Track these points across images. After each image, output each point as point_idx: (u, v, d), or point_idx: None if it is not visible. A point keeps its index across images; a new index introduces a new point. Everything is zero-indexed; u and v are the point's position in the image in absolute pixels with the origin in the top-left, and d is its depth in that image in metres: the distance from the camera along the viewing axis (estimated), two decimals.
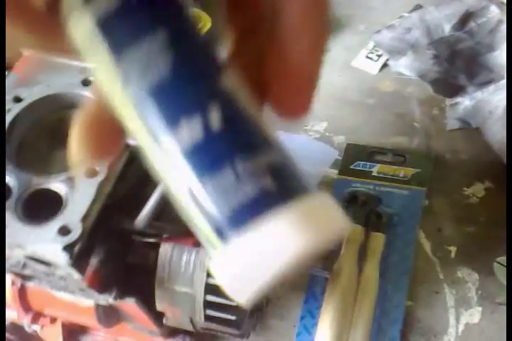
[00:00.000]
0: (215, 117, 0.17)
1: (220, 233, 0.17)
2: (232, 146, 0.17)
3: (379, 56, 0.71)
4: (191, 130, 0.17)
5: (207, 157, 0.17)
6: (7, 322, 0.51)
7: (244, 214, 0.17)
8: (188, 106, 0.17)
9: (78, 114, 0.19)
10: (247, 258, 0.17)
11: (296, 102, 0.19)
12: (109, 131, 0.20)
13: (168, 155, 0.18)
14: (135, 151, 0.36)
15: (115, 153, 0.20)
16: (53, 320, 0.48)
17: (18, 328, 0.54)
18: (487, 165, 0.63)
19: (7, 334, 0.55)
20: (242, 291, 0.17)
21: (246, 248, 0.17)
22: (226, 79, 0.18)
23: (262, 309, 0.48)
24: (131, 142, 0.35)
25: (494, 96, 0.61)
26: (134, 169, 0.36)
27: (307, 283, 0.56)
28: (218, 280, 0.18)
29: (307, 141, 0.69)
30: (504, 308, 0.54)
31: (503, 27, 0.68)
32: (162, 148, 0.18)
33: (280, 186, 0.17)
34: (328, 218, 0.17)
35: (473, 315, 0.54)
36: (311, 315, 0.55)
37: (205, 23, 0.67)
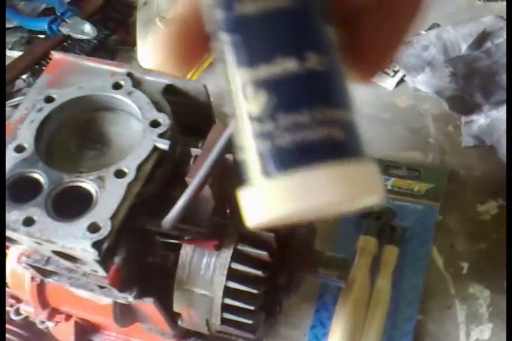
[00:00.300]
0: (314, 58, 0.18)
1: (269, 163, 0.18)
2: (318, 89, 0.19)
3: (395, 72, 0.72)
4: (287, 62, 0.18)
5: (292, 92, 0.18)
6: (21, 318, 0.52)
7: (300, 153, 0.18)
8: (295, 39, 0.19)
9: (171, 18, 0.20)
10: (280, 190, 0.18)
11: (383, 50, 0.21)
12: (196, 40, 0.20)
13: (250, 81, 0.18)
14: (163, 154, 0.37)
15: (195, 64, 0.21)
16: (68, 318, 0.49)
17: (29, 324, 0.55)
18: (500, 183, 0.63)
19: (18, 330, 0.55)
20: (258, 215, 0.19)
21: (286, 181, 0.18)
22: (330, 27, 0.19)
23: (275, 316, 0.49)
24: (160, 146, 0.36)
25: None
26: (162, 171, 0.37)
27: (318, 292, 0.57)
28: (243, 202, 0.19)
29: None
30: None
31: None
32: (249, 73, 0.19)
33: (345, 141, 0.18)
34: (369, 185, 0.19)
35: (484, 332, 0.54)
36: (321, 325, 0.55)
37: None
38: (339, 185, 0.18)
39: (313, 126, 0.18)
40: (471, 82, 0.69)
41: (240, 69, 0.19)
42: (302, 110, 0.18)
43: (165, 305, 0.42)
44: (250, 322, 0.41)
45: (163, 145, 0.36)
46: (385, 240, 0.59)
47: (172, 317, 0.44)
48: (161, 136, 0.36)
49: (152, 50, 0.21)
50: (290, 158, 0.18)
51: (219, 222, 0.38)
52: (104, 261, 0.34)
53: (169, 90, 0.40)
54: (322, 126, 0.18)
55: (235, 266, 0.40)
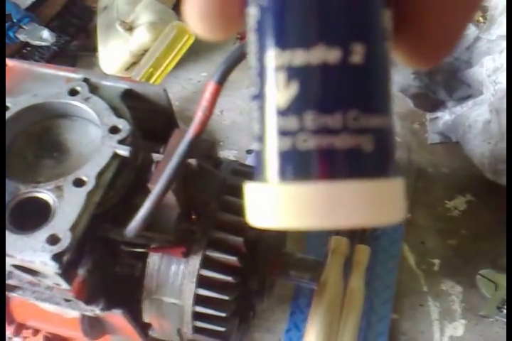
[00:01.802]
0: (360, 52, 0.16)
1: (289, 166, 0.16)
2: (358, 90, 0.16)
3: None
4: (329, 52, 0.16)
5: (327, 89, 0.16)
6: None
7: (323, 162, 0.16)
8: (344, 25, 0.16)
9: None
10: (296, 200, 0.16)
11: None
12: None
13: (279, 68, 0.16)
14: (124, 161, 0.36)
15: (238, 26, 0.17)
16: (36, 332, 0.47)
17: None
18: (468, 179, 0.64)
19: None
20: (267, 220, 0.17)
21: (303, 190, 0.16)
22: (386, 18, 0.17)
23: (249, 321, 0.48)
24: (120, 152, 0.35)
25: (473, 111, 0.63)
26: (124, 179, 0.36)
27: (293, 295, 0.56)
28: (250, 203, 0.17)
29: None
30: (487, 321, 0.54)
31: (480, 44, 0.69)
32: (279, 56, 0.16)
33: (376, 155, 0.16)
34: (394, 204, 0.17)
35: (457, 328, 0.54)
36: (296, 328, 0.55)
37: (189, 36, 0.67)
38: (362, 205, 0.16)
39: (343, 134, 0.16)
40: (434, 79, 0.69)
41: (275, 50, 0.16)
42: (334, 113, 0.16)
43: (135, 315, 0.41)
44: (223, 329, 0.40)
45: (124, 151, 0.35)
46: (356, 240, 0.58)
47: (143, 327, 0.43)
48: (120, 142, 0.35)
49: (188, 14, 0.17)
50: (311, 165, 0.16)
51: (185, 228, 0.37)
52: (66, 273, 0.33)
53: (128, 95, 0.39)
54: (353, 134, 0.16)
55: (205, 272, 0.39)
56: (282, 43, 0.16)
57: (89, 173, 0.34)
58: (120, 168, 0.35)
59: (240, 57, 0.28)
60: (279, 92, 0.16)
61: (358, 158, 0.16)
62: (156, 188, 0.31)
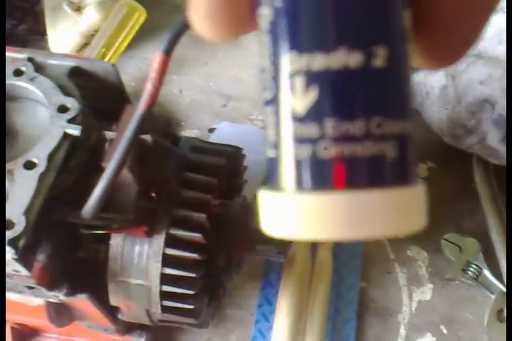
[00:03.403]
0: (383, 55, 0.15)
1: (307, 176, 0.16)
2: (381, 96, 0.15)
3: None
4: (351, 56, 0.15)
5: (349, 95, 0.15)
6: None
7: (344, 172, 0.15)
8: (367, 28, 0.15)
9: None
10: (315, 210, 0.15)
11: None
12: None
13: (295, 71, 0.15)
14: (76, 141, 0.34)
15: (247, 28, 0.16)
16: None
17: None
18: (428, 146, 0.64)
19: None
20: (283, 230, 0.16)
21: (322, 201, 0.15)
22: (407, 19, 0.16)
23: (220, 299, 0.48)
24: (70, 132, 0.34)
25: (430, 78, 0.63)
26: (77, 159, 0.35)
27: (263, 270, 0.56)
28: (265, 212, 0.17)
29: (253, 131, 0.69)
30: (454, 284, 0.55)
31: None
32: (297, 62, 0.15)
33: (398, 162, 0.16)
34: (418, 212, 0.17)
35: (425, 293, 0.56)
36: (268, 303, 0.55)
37: (140, 14, 0.66)
38: (386, 215, 0.15)
39: (366, 141, 0.15)
40: None
41: (291, 54, 0.15)
42: (357, 120, 0.15)
43: (101, 299, 0.40)
44: (192, 307, 0.40)
45: (74, 131, 0.33)
46: None
47: (111, 311, 0.42)
48: (70, 121, 0.34)
49: (193, 15, 0.16)
50: (332, 174, 0.15)
51: (145, 206, 0.36)
52: (25, 259, 0.32)
53: (76, 73, 0.37)
54: (376, 141, 0.15)
55: (170, 251, 0.38)
56: (300, 47, 0.15)
57: (39, 155, 0.33)
58: (72, 149, 0.34)
59: (186, 25, 0.27)
60: (296, 98, 0.16)
61: (380, 165, 0.16)
62: (109, 166, 0.30)
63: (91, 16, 0.65)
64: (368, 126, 0.15)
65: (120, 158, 0.30)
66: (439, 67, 0.18)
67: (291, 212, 0.16)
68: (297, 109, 0.16)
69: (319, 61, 0.15)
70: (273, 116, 0.16)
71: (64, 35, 0.69)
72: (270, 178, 0.17)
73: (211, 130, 0.68)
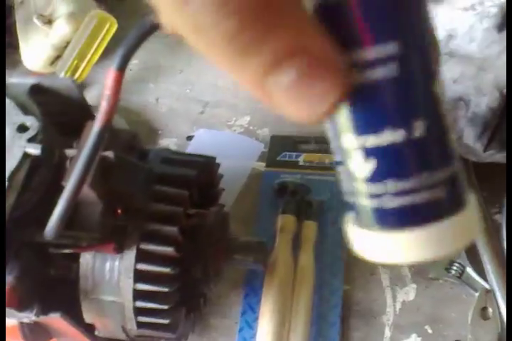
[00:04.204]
0: (421, 127, 0.19)
1: (382, 219, 0.20)
2: (425, 157, 0.19)
3: None
4: (395, 134, 0.18)
5: (399, 161, 0.19)
6: None
7: (406, 214, 0.20)
8: (404, 110, 0.19)
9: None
10: (393, 243, 0.20)
11: None
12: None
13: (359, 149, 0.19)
14: (37, 160, 0.34)
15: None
16: None
17: None
18: None
19: None
20: (374, 256, 0.21)
21: (402, 238, 0.20)
22: (437, 87, 0.19)
23: (201, 309, 0.47)
24: (31, 151, 0.34)
25: None
26: (40, 178, 0.34)
27: (246, 277, 0.56)
28: (356, 237, 0.21)
29: (232, 136, 0.68)
30: (437, 283, 0.55)
31: None
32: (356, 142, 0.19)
33: (450, 197, 0.20)
34: (471, 230, 0.21)
35: (409, 293, 0.55)
36: (251, 310, 0.55)
37: (111, 24, 0.65)
38: (444, 241, 0.20)
39: (420, 192, 0.19)
40: None
41: (350, 136, 0.19)
42: (410, 178, 0.19)
43: (75, 317, 0.39)
44: (167, 321, 0.39)
45: (35, 150, 0.33)
46: (303, 216, 0.58)
47: (87, 328, 0.42)
48: (30, 140, 0.33)
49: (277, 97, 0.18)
50: (399, 217, 0.20)
51: (112, 223, 0.36)
52: None
53: (37, 90, 0.37)
54: (427, 190, 0.19)
55: (141, 266, 0.38)
56: (356, 131, 0.19)
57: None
58: (34, 167, 0.33)
59: (139, 39, 0.27)
60: (360, 166, 0.19)
61: (436, 205, 0.20)
62: (68, 185, 0.30)
63: (62, 29, 0.65)
64: (419, 181, 0.19)
65: (79, 177, 0.30)
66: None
67: (378, 244, 0.21)
68: (363, 173, 0.19)
69: (371, 140, 0.19)
70: (345, 175, 0.20)
71: (36, 48, 0.68)
72: (354, 214, 0.21)
73: (189, 138, 0.68)
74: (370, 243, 0.21)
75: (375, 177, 0.19)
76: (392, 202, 0.19)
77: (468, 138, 0.54)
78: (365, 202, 0.20)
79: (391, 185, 0.19)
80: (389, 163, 0.19)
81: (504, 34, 0.48)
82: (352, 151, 0.19)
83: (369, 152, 0.19)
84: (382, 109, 0.19)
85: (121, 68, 0.28)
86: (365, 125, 0.19)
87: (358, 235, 0.21)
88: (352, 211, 0.21)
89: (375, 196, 0.20)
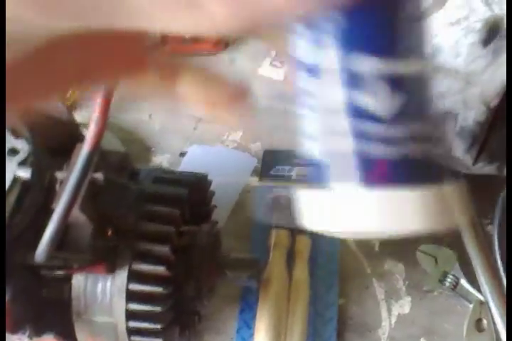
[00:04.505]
0: None
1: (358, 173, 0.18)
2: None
3: (282, 62, 0.73)
4: None
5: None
6: None
7: (387, 174, 0.18)
8: None
9: None
10: (360, 206, 0.18)
11: None
12: None
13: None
14: (27, 183, 0.34)
15: None
16: None
17: None
18: None
19: None
20: (326, 224, 0.20)
21: (369, 198, 0.18)
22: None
23: (195, 326, 0.47)
24: (21, 175, 0.34)
25: None
26: (30, 201, 0.35)
27: (241, 293, 0.56)
28: (306, 203, 0.20)
29: (225, 152, 0.69)
30: (432, 295, 0.55)
31: None
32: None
33: (429, 168, 0.19)
34: (451, 209, 0.19)
35: (404, 306, 0.55)
36: (247, 326, 0.55)
37: None
38: (423, 212, 0.18)
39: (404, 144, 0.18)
40: None
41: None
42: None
43: (69, 338, 0.39)
44: (161, 340, 0.39)
45: (25, 173, 0.33)
46: (296, 231, 0.58)
47: None
48: (21, 163, 0.34)
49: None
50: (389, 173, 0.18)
51: (103, 244, 0.36)
52: None
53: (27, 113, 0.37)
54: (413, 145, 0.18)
55: (133, 286, 0.38)
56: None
57: None
58: (24, 191, 0.34)
59: None
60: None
61: (421, 167, 0.19)
62: (57, 208, 0.30)
63: None
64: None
65: (69, 200, 0.30)
66: None
67: (336, 206, 0.19)
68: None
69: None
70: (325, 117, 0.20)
71: None
72: (314, 179, 0.20)
73: (182, 154, 0.68)
74: (329, 204, 0.19)
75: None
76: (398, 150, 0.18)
77: (457, 151, 0.55)
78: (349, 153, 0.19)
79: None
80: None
81: (489, 49, 0.48)
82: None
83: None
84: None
85: (109, 92, 0.28)
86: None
87: (313, 197, 0.20)
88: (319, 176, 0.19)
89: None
